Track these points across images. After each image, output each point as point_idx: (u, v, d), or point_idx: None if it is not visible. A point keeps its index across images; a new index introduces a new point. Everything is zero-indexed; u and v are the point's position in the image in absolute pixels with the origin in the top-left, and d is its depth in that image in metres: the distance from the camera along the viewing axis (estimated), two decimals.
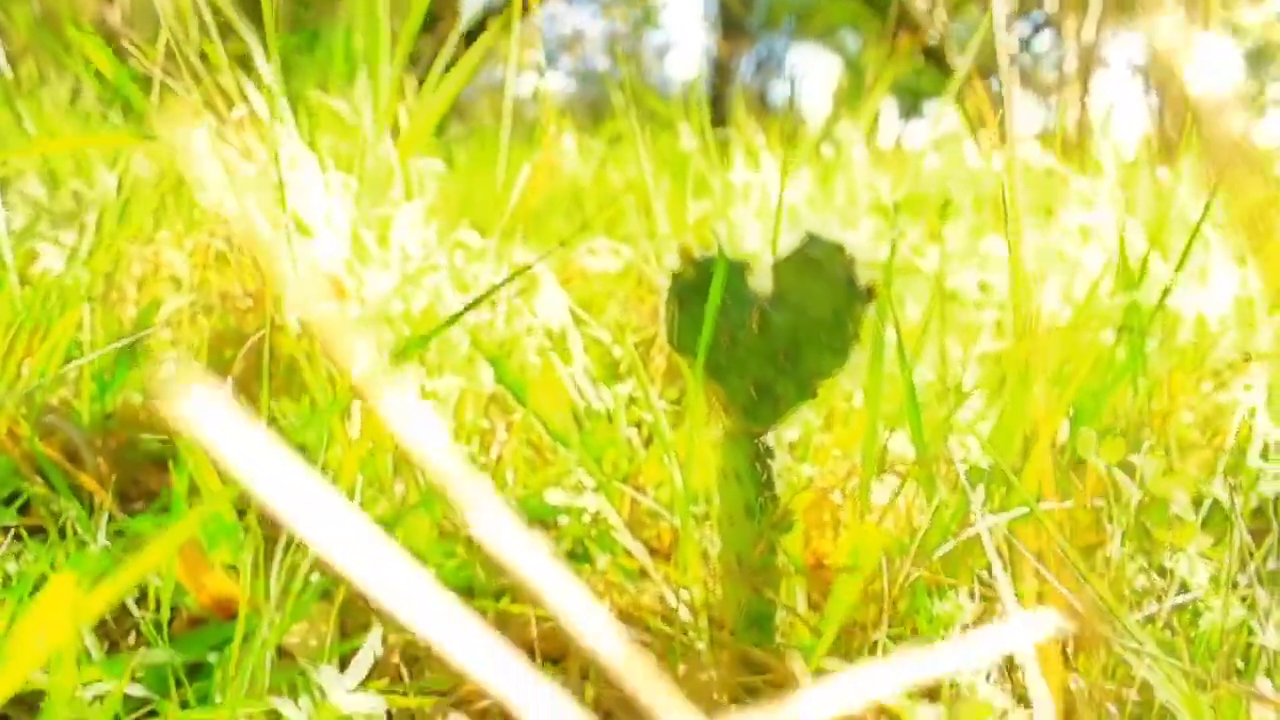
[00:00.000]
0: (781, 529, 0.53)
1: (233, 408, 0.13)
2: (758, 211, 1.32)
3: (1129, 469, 0.51)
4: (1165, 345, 0.72)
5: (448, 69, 1.11)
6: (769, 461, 0.53)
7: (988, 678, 0.39)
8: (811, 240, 0.51)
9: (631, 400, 0.83)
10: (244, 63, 1.05)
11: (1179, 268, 0.71)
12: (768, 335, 0.51)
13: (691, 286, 0.52)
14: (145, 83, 1.02)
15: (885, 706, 0.38)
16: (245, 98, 1.02)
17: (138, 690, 0.55)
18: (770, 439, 0.54)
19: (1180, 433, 0.63)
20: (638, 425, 0.84)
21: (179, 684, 0.55)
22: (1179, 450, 0.58)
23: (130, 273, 1.06)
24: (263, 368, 0.61)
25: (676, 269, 0.53)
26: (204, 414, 0.13)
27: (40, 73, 1.68)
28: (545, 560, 0.15)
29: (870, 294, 0.51)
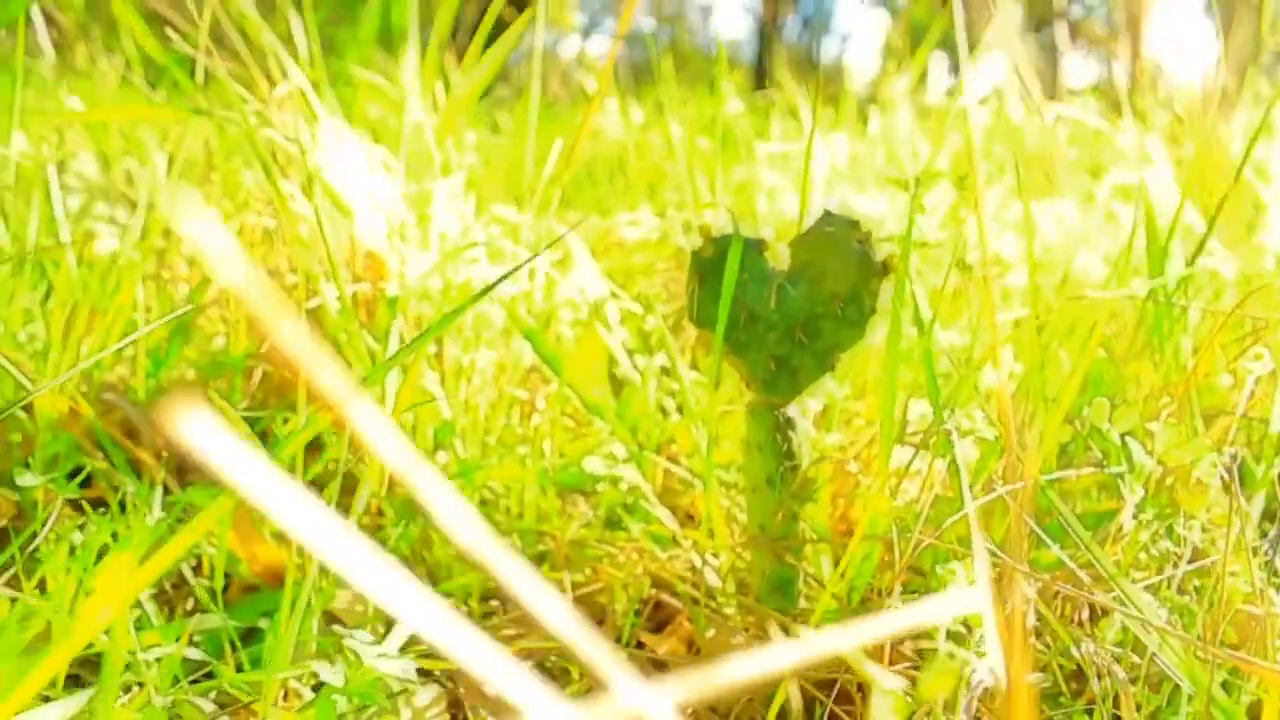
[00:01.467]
0: (802, 499, 0.55)
1: (225, 430, 0.15)
2: (796, 179, 1.32)
3: (1150, 437, 0.51)
4: (1204, 307, 0.72)
5: (489, 42, 1.11)
6: (790, 433, 0.55)
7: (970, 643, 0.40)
8: (828, 217, 0.52)
9: (664, 371, 0.85)
10: (287, 41, 1.07)
11: (1211, 227, 0.70)
12: (785, 311, 0.53)
13: (711, 264, 0.53)
14: (191, 63, 1.04)
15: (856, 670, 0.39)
16: (287, 76, 1.04)
17: (194, 653, 0.58)
18: (792, 410, 0.56)
19: (1209, 398, 0.63)
20: (672, 394, 0.85)
21: (233, 648, 0.58)
22: (1204, 417, 0.58)
23: (181, 251, 1.09)
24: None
25: (696, 247, 0.54)
26: (201, 436, 0.15)
27: (91, 57, 1.72)
28: (502, 552, 0.17)
29: (886, 269, 0.52)
